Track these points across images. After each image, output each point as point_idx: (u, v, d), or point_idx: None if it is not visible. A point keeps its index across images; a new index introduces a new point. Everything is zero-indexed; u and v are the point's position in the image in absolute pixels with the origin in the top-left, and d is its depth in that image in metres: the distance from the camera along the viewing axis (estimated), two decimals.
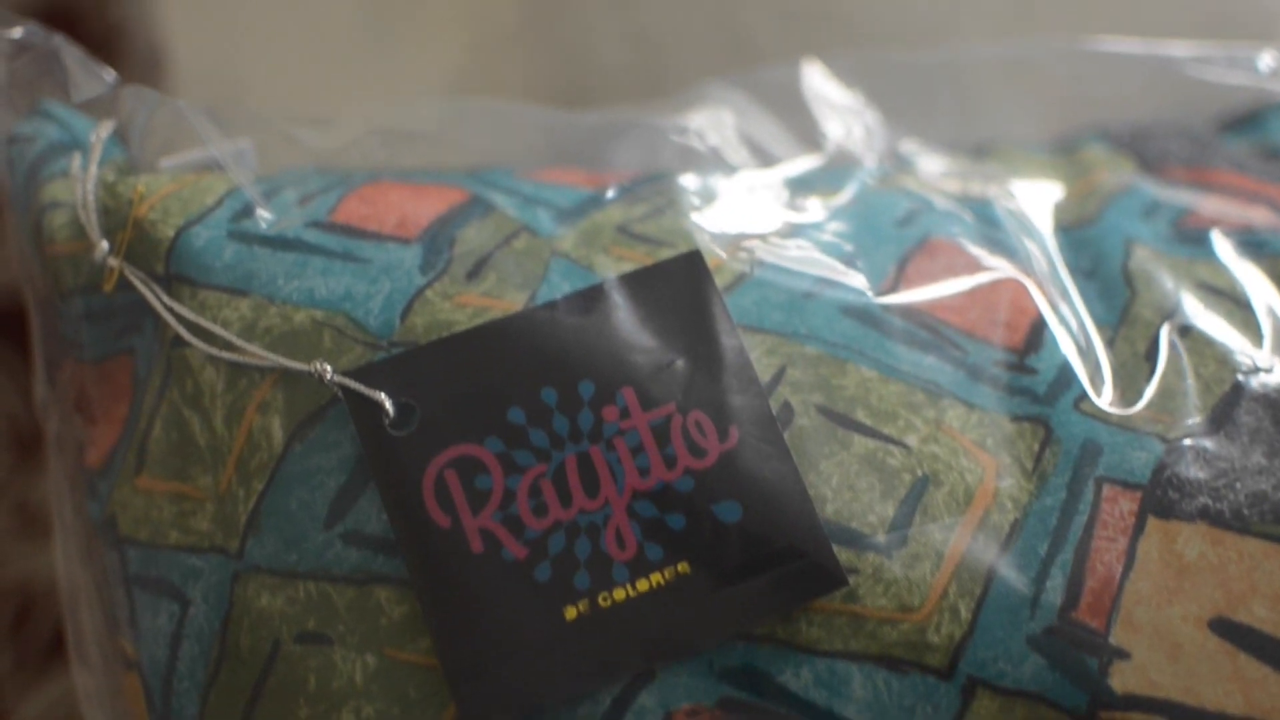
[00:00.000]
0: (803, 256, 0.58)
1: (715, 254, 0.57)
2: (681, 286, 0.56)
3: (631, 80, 0.73)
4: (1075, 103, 0.66)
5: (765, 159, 0.62)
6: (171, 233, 0.58)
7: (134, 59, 0.83)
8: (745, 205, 0.60)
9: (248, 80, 0.75)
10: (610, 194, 0.60)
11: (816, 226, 0.59)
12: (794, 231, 0.59)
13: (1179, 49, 0.66)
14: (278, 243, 0.58)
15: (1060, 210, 0.62)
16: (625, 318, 0.55)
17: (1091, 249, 0.61)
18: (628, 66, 0.73)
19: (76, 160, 0.59)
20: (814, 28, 0.74)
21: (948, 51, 0.66)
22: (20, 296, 0.65)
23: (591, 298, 0.56)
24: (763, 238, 0.58)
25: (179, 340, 0.57)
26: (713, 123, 0.62)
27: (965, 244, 0.60)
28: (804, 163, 0.62)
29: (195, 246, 0.58)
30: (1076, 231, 0.61)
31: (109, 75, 0.63)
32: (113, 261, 0.58)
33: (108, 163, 0.60)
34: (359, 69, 0.74)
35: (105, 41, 0.97)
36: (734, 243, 0.58)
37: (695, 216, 0.59)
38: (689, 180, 0.60)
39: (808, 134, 0.64)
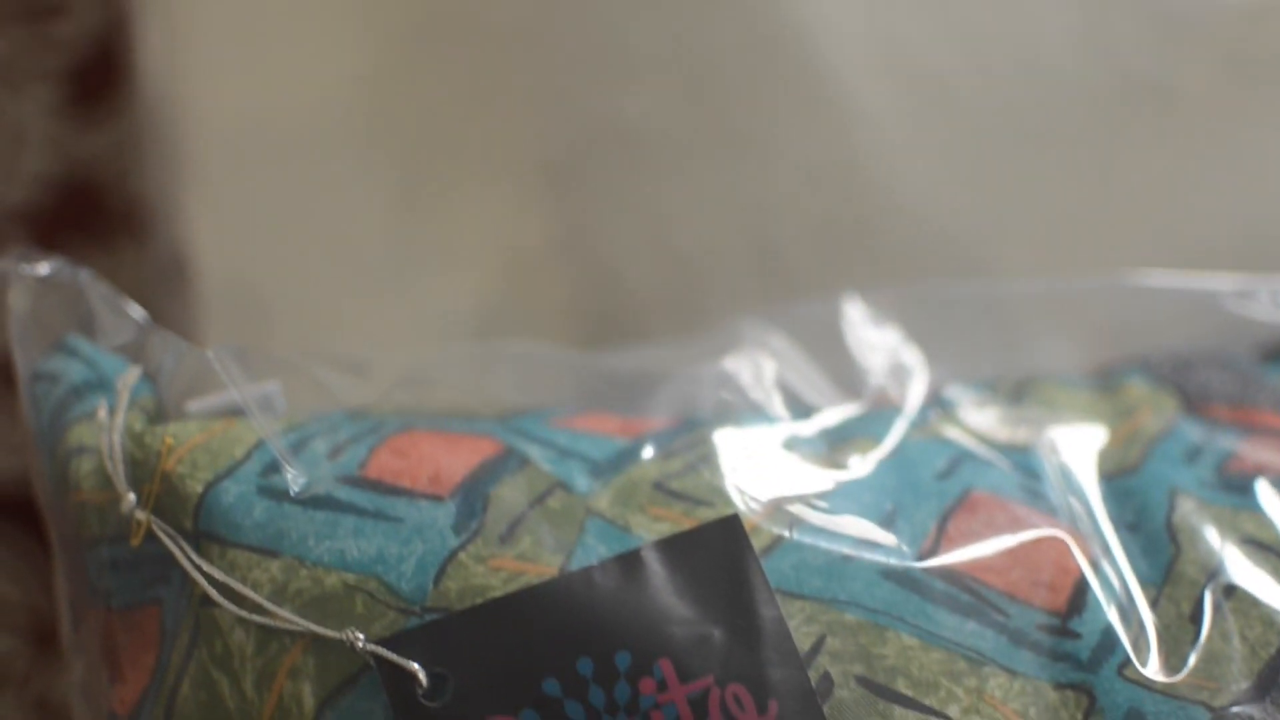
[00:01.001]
0: (841, 518, 0.57)
1: (753, 515, 0.57)
2: (720, 552, 0.56)
3: (663, 303, 0.72)
4: (1116, 335, 0.66)
5: (804, 406, 0.61)
6: (200, 488, 0.57)
7: (158, 254, 0.83)
8: (783, 461, 0.59)
9: (272, 293, 0.75)
10: (647, 449, 0.59)
11: (856, 484, 0.59)
12: (833, 490, 0.58)
13: (1220, 282, 0.66)
14: (308, 501, 0.57)
15: (1103, 458, 0.61)
16: (662, 586, 0.55)
17: (1135, 500, 0.60)
18: (659, 289, 0.73)
19: (103, 409, 0.59)
20: (849, 248, 0.73)
21: (988, 286, 0.65)
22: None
23: (628, 564, 0.55)
24: (801, 498, 0.57)
25: (208, 600, 0.56)
26: (750, 369, 0.62)
27: (1007, 498, 0.59)
28: (843, 411, 0.61)
29: (224, 503, 0.57)
30: (1120, 481, 0.60)
31: (137, 313, 0.62)
32: (140, 515, 0.57)
33: (135, 404, 0.59)
34: (385, 287, 0.73)
35: (126, 216, 0.97)
36: (772, 503, 0.57)
37: (732, 473, 0.58)
38: (726, 435, 0.59)
39: (846, 372, 0.63)
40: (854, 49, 0.75)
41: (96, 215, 0.96)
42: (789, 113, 0.74)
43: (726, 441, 0.59)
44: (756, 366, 0.62)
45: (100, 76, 0.97)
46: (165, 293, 0.81)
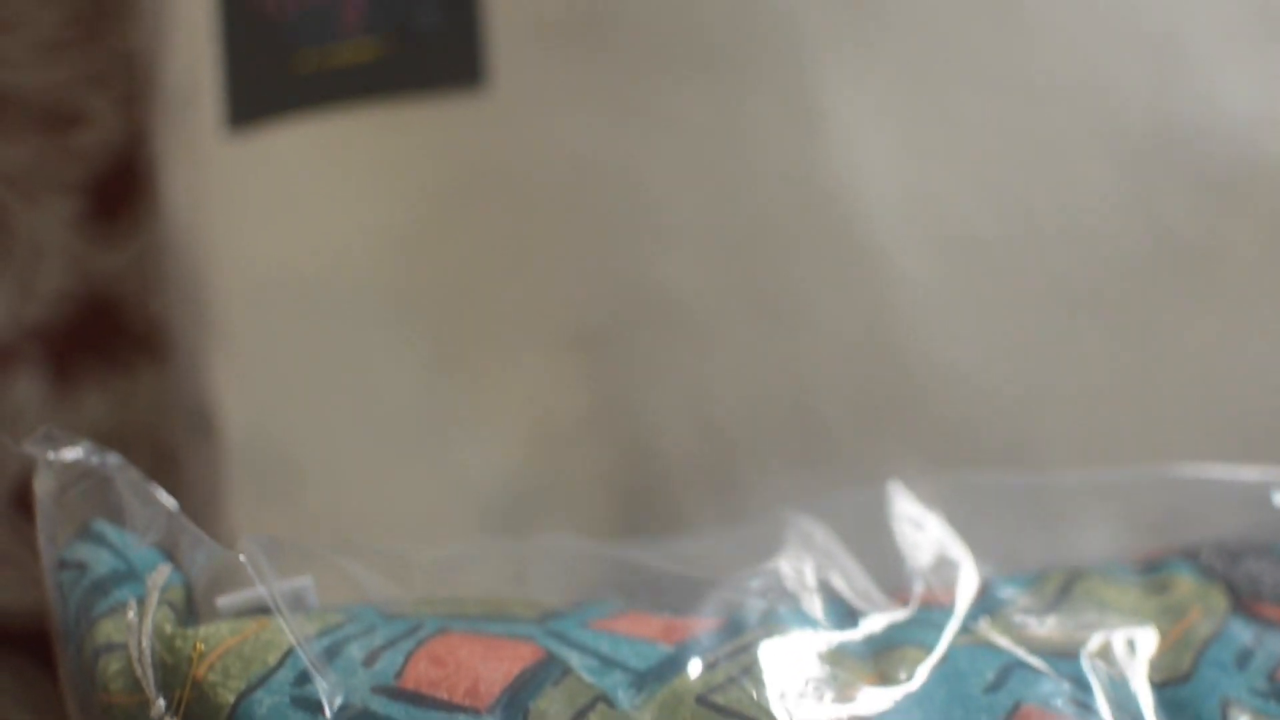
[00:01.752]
0: None
1: None
2: None
3: (699, 476, 0.71)
4: (1163, 525, 0.65)
5: (850, 610, 0.60)
6: (232, 698, 0.56)
7: (182, 401, 0.82)
8: (830, 675, 0.58)
9: (299, 451, 0.74)
10: (691, 661, 0.58)
11: (905, 700, 0.58)
12: (883, 712, 0.57)
13: (1270, 474, 0.65)
14: (343, 713, 0.56)
15: (1154, 666, 0.60)
16: None
17: (1188, 712, 0.59)
18: (695, 461, 0.72)
19: (132, 607, 0.57)
20: (888, 417, 0.72)
21: (1035, 476, 0.64)
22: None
23: None
24: None
25: None
26: (794, 571, 0.61)
27: (1057, 713, 0.58)
28: (889, 615, 0.60)
29: (257, 715, 0.56)
30: (1171, 690, 0.59)
31: (166, 501, 0.61)
32: None
33: (164, 600, 0.58)
34: (415, 451, 0.72)
35: (144, 338, 0.96)
36: None
37: (778, 689, 0.57)
38: (770, 645, 0.58)
39: (892, 565, 0.62)
40: (894, 214, 0.74)
41: (114, 336, 0.95)
42: (828, 280, 0.73)
43: (771, 653, 0.58)
44: (800, 568, 0.61)
45: (120, 191, 0.96)
46: (191, 441, 0.80)
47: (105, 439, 0.94)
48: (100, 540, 0.61)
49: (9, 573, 0.92)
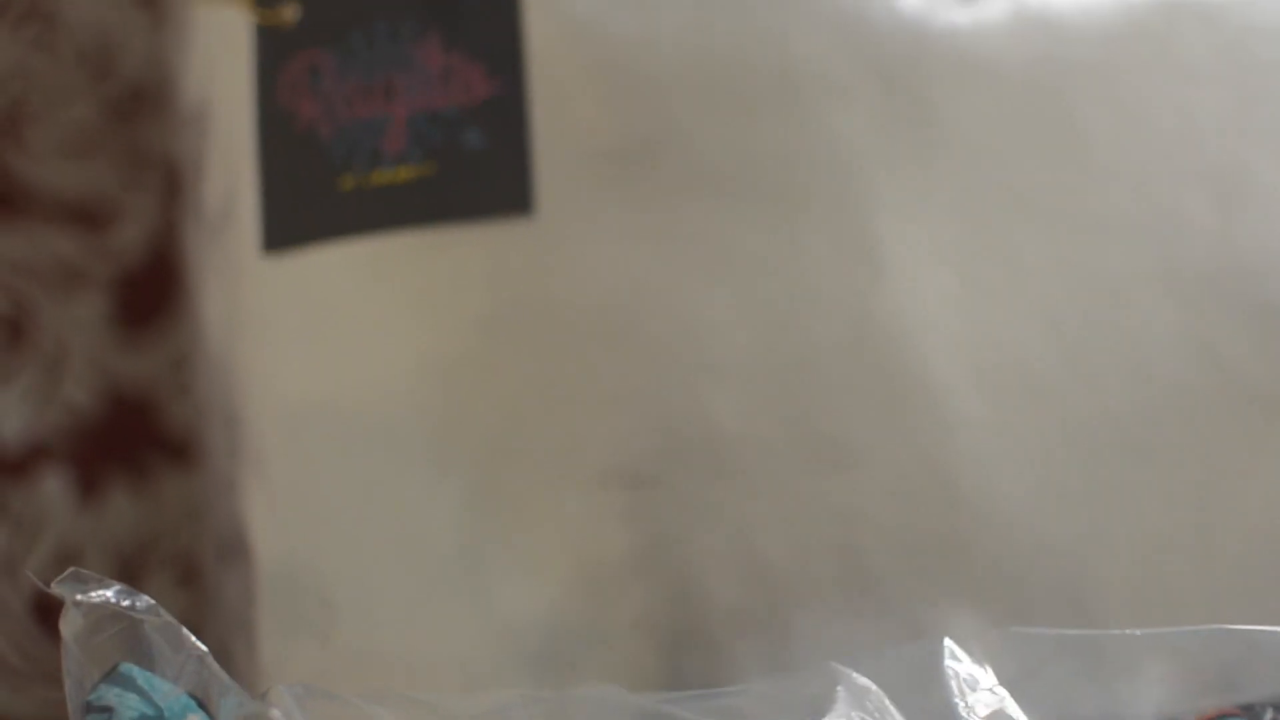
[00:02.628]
0: None
1: None
2: None
3: (745, 619, 0.69)
4: (1223, 683, 0.63)
5: None
6: None
7: (217, 528, 0.80)
8: None
9: (334, 585, 0.72)
10: None
11: None
12: None
13: None
14: None
15: None
16: None
17: None
18: (741, 604, 0.70)
19: None
20: (940, 561, 0.70)
21: (1090, 631, 0.62)
22: None
23: None
24: None
25: None
26: None
27: None
28: None
29: None
30: None
31: (196, 645, 0.59)
32: None
33: None
34: (452, 588, 0.70)
35: (175, 442, 0.94)
36: None
37: None
38: None
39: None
40: (949, 352, 0.72)
41: (142, 441, 0.93)
42: (880, 419, 0.71)
43: None
44: None
45: (152, 293, 0.94)
46: (221, 565, 0.78)
47: (131, 545, 0.93)
48: (129, 684, 0.59)
49: (33, 690, 0.90)
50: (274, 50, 0.74)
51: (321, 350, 0.72)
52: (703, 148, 0.72)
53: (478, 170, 0.71)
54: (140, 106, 0.92)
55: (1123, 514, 0.72)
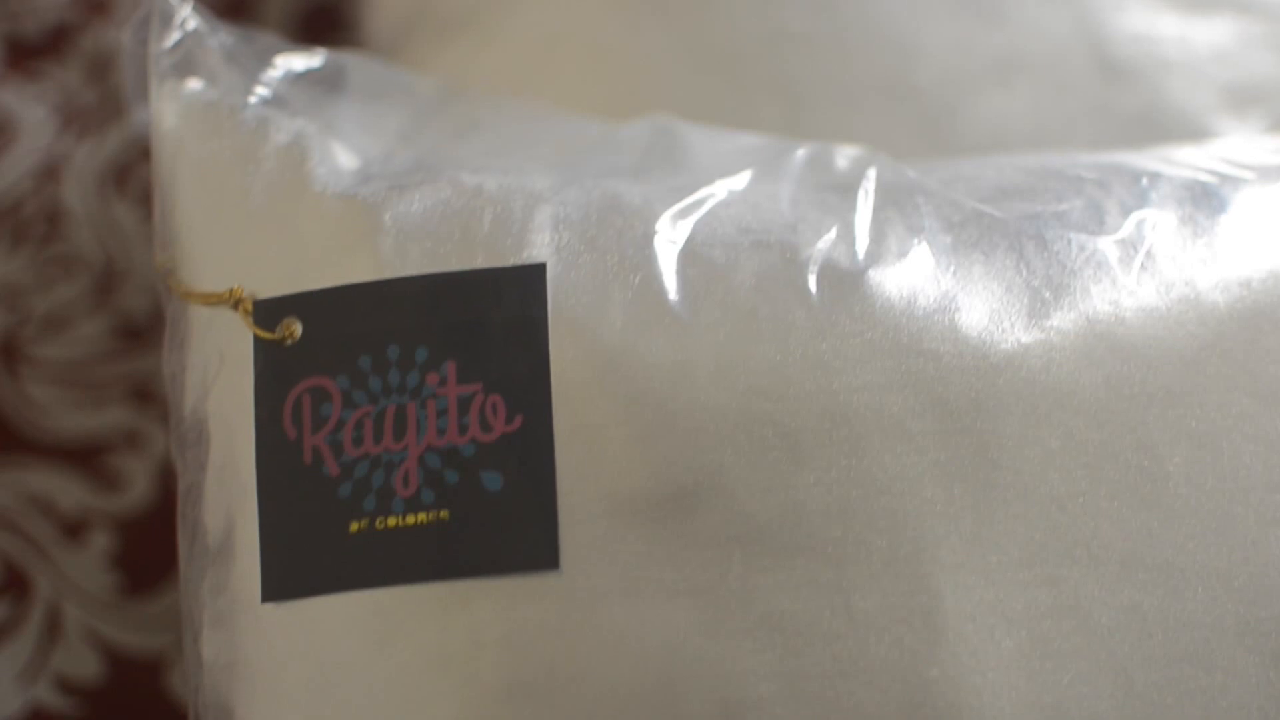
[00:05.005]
0: None
1: None
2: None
3: None
4: None
5: None
6: None
7: None
8: None
9: None
10: None
11: None
12: None
13: None
14: None
15: None
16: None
17: None
18: None
19: None
20: None
21: None
22: None
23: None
24: None
25: None
26: None
27: None
28: None
29: None
30: None
31: None
32: None
33: None
34: None
35: None
36: None
37: None
38: None
39: None
40: None
41: None
42: None
43: None
44: None
45: (153, 570, 0.88)
46: None
47: None
48: None
49: None
50: (276, 373, 0.68)
51: (326, 712, 0.66)
52: (744, 494, 0.65)
53: (496, 517, 0.65)
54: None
55: None
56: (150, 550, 0.90)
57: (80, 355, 0.94)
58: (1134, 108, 0.86)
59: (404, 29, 0.93)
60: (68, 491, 0.90)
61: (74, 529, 0.89)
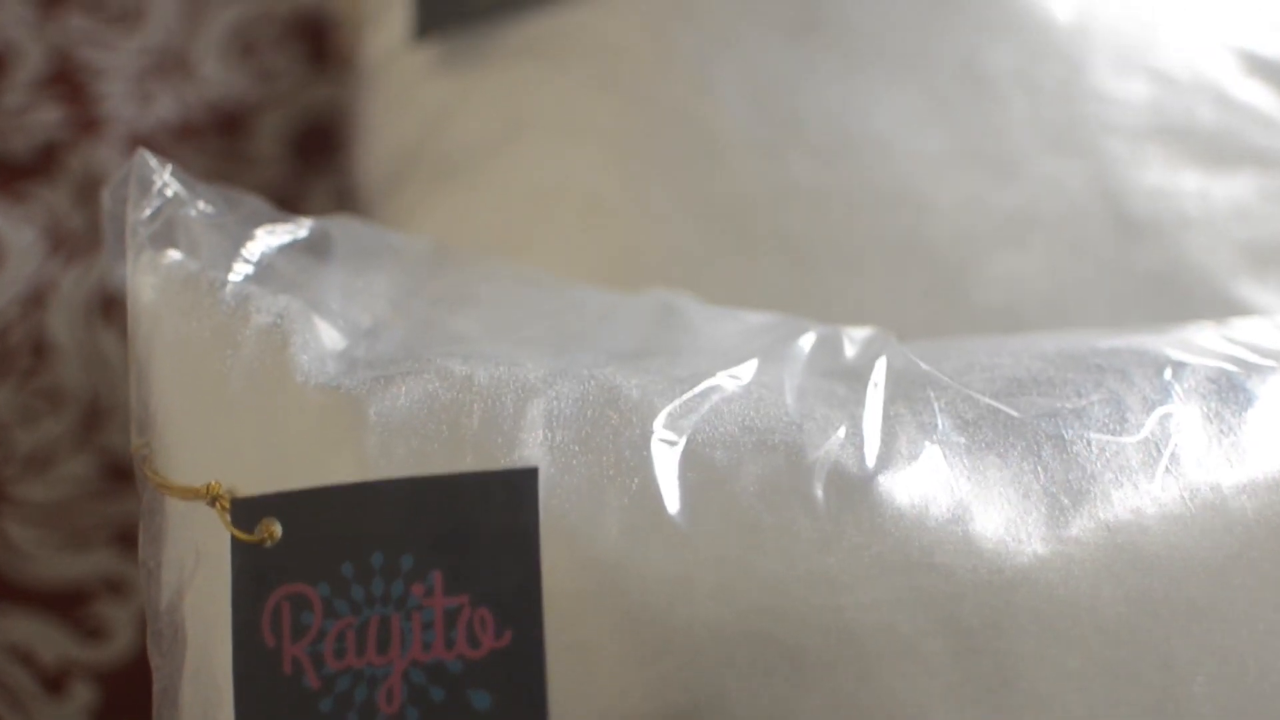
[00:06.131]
0: None
1: None
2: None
3: None
4: None
5: None
6: None
7: None
8: None
9: None
10: None
11: None
12: None
13: None
14: None
15: None
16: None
17: None
18: None
19: None
20: None
21: None
22: None
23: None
24: None
25: None
26: None
27: None
28: None
29: None
30: None
31: None
32: None
33: None
34: None
35: None
36: None
37: None
38: None
39: None
40: None
41: None
42: None
43: None
44: None
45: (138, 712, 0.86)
46: None
47: None
48: None
49: None
50: (254, 576, 0.65)
51: None
52: (745, 719, 0.62)
53: None
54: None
55: None
56: (133, 705, 0.87)
57: (64, 496, 0.91)
58: (1152, 267, 0.83)
59: (397, 171, 0.90)
60: (48, 641, 0.88)
61: (54, 681, 0.86)
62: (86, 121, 1.02)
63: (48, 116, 1.02)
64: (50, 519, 0.91)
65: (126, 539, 0.91)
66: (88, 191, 1.01)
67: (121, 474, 0.92)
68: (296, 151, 1.03)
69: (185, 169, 1.00)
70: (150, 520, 0.70)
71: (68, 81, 1.04)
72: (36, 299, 0.96)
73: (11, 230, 0.98)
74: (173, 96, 1.03)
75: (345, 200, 1.01)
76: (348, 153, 1.00)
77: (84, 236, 0.99)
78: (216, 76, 1.04)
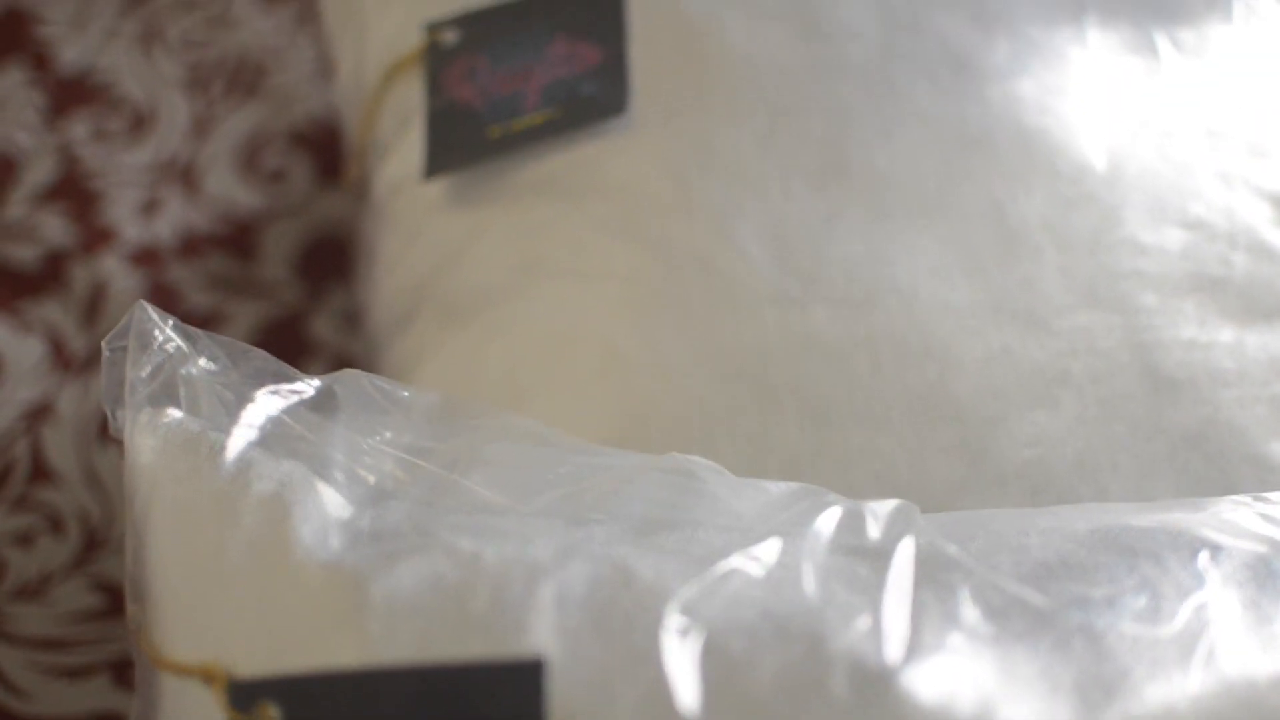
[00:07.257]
0: None
1: None
2: None
3: None
4: None
5: None
6: None
7: None
8: None
9: None
10: None
11: None
12: None
13: None
14: None
15: None
16: None
17: None
18: None
19: None
20: None
21: None
22: None
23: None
24: None
25: None
26: None
27: None
28: None
29: None
30: None
31: None
32: None
33: None
34: None
35: None
36: None
37: None
38: None
39: None
40: None
41: None
42: None
43: None
44: None
45: None
46: None
47: None
48: None
49: None
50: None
51: None
52: None
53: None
54: None
55: None
56: None
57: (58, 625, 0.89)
58: (1185, 425, 0.80)
59: (406, 308, 0.88)
60: None
61: None
62: (98, 233, 1.01)
63: (53, 227, 1.00)
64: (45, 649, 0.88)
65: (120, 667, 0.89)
66: (91, 308, 0.99)
67: (117, 600, 0.90)
68: (305, 266, 1.02)
69: (191, 282, 0.98)
70: (145, 692, 0.67)
71: (74, 190, 1.02)
72: (35, 417, 0.94)
73: (13, 346, 0.97)
74: (180, 207, 1.02)
75: (353, 322, 0.99)
76: (356, 274, 0.97)
77: (83, 354, 0.97)
78: (225, 187, 1.02)
